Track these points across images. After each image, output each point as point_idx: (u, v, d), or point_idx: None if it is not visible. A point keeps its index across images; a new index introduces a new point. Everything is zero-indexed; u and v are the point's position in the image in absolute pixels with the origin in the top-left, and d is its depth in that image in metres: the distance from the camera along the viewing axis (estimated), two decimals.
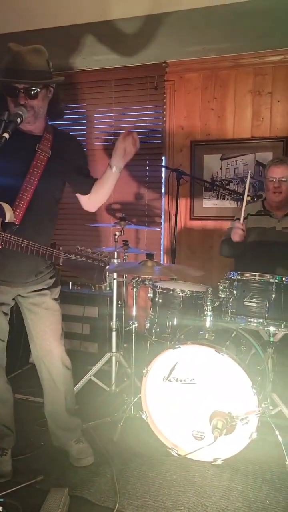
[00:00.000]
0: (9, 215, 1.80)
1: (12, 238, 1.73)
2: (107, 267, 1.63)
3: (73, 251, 1.65)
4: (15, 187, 1.89)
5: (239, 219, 2.81)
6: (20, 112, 1.77)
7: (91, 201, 2.16)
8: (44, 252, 1.71)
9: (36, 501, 1.84)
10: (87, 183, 2.12)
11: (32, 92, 1.83)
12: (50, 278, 2.13)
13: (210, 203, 3.80)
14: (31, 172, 1.91)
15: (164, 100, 3.82)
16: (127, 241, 3.13)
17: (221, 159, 3.73)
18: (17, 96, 1.83)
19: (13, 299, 2.11)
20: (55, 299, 2.16)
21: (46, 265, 2.09)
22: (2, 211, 1.80)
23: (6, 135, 1.67)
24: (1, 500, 1.82)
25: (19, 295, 2.09)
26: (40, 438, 2.37)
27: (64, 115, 2.09)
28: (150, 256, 2.51)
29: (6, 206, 1.81)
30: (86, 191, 2.12)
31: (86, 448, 2.21)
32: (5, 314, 2.08)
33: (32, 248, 1.72)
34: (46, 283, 2.11)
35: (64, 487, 1.93)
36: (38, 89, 1.85)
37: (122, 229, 2.96)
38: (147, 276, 2.60)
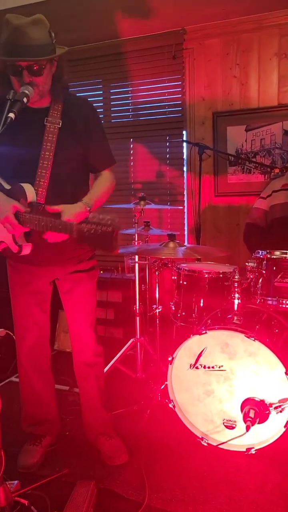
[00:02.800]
0: (31, 195, 1.73)
1: (34, 218, 1.65)
2: (117, 231, 1.48)
3: (82, 221, 1.53)
4: (32, 166, 1.79)
5: (263, 198, 2.64)
6: (26, 91, 1.64)
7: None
8: (60, 227, 1.59)
9: (63, 494, 1.78)
10: (99, 160, 1.97)
11: (37, 69, 1.69)
12: (89, 259, 2.05)
13: (235, 178, 3.59)
14: (45, 147, 1.79)
15: (183, 70, 3.60)
16: (149, 222, 3.00)
17: (246, 130, 3.51)
18: (20, 75, 1.68)
19: (50, 284, 2.05)
20: (93, 284, 2.08)
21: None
22: (23, 192, 1.73)
23: (11, 115, 1.55)
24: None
25: (57, 278, 2.02)
26: (65, 427, 2.31)
27: (69, 88, 1.94)
28: (172, 237, 2.38)
29: (26, 186, 1.74)
30: (93, 170, 1.98)
31: (118, 444, 2.11)
32: (39, 304, 2.03)
33: (50, 224, 1.62)
34: (84, 265, 2.03)
35: (91, 479, 1.86)
36: (43, 66, 1.70)
37: (142, 209, 2.82)
38: (169, 258, 2.46)
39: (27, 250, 1.79)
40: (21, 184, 1.74)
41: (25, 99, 1.62)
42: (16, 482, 1.83)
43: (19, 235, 1.77)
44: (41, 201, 1.77)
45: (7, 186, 1.82)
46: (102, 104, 3.93)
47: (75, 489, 1.77)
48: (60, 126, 1.81)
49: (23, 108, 1.61)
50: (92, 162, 1.96)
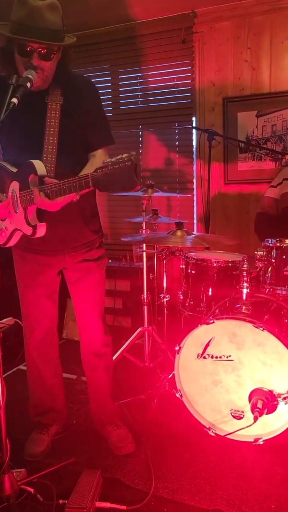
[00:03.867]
0: (41, 169, 1.68)
1: (50, 186, 1.61)
2: (135, 165, 1.44)
3: (97, 167, 1.48)
4: (38, 144, 1.76)
5: (274, 186, 2.58)
6: (30, 76, 1.60)
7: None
8: (75, 184, 1.55)
9: (69, 482, 1.78)
10: (95, 138, 1.88)
11: (46, 53, 1.64)
12: (98, 248, 2.02)
13: (246, 165, 3.53)
14: (49, 124, 1.76)
15: (193, 55, 3.52)
16: (157, 210, 2.95)
17: (257, 116, 3.43)
18: (29, 56, 1.64)
19: (58, 274, 2.03)
20: (101, 273, 2.05)
21: (94, 230, 1.99)
22: (33, 168, 1.67)
23: (15, 100, 1.52)
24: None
25: (65, 268, 2.00)
26: (72, 416, 2.31)
27: (71, 75, 1.86)
28: (179, 225, 2.34)
29: (36, 162, 1.69)
30: (90, 147, 1.88)
31: (125, 434, 2.09)
32: (48, 296, 2.02)
33: (64, 186, 1.57)
34: (92, 254, 1.99)
35: (97, 468, 1.86)
36: (54, 51, 1.66)
37: (150, 197, 2.78)
38: (176, 246, 2.43)
39: (41, 231, 1.73)
40: (30, 160, 1.69)
41: (28, 84, 1.59)
42: (22, 470, 1.84)
43: (32, 214, 1.72)
44: (51, 175, 1.73)
45: (14, 169, 1.80)
46: (110, 90, 3.87)
47: (81, 478, 1.76)
48: (61, 102, 1.78)
49: (26, 93, 1.58)
50: (89, 140, 1.87)
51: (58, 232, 1.82)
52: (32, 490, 1.71)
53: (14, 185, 1.77)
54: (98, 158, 1.85)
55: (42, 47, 1.63)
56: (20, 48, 1.64)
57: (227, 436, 2.03)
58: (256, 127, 3.44)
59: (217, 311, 2.20)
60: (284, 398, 1.92)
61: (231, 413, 2.06)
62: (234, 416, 2.05)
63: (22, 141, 1.80)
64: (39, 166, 1.67)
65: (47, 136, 1.75)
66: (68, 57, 1.78)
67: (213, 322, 2.03)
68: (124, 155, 1.41)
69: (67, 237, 1.88)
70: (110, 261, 3.63)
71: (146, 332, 2.82)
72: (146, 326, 2.81)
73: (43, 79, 1.72)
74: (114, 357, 2.72)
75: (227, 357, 2.05)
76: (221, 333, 2.04)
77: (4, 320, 3.06)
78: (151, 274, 2.96)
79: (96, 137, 1.88)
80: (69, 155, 1.80)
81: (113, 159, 1.43)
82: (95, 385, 2.13)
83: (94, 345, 2.06)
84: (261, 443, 1.97)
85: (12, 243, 1.88)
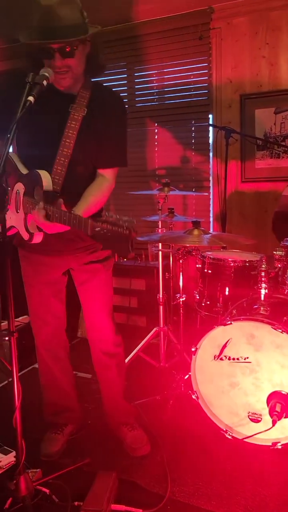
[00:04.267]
0: (47, 183, 1.67)
1: (53, 210, 1.55)
2: (134, 234, 1.34)
3: (98, 219, 1.37)
4: (52, 152, 1.74)
5: None
6: (46, 74, 1.57)
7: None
8: (75, 222, 1.48)
9: (83, 484, 1.77)
10: (104, 157, 1.84)
11: (69, 51, 1.61)
12: (103, 249, 1.96)
13: (263, 163, 3.47)
14: (66, 134, 1.73)
15: (210, 51, 3.47)
16: (173, 209, 2.92)
17: (275, 113, 3.37)
18: (53, 57, 1.62)
19: (64, 274, 2.01)
20: (108, 274, 2.02)
21: None
22: (39, 179, 1.66)
23: (31, 98, 1.49)
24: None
25: (71, 269, 1.99)
26: (87, 416, 2.30)
27: (105, 69, 1.85)
28: (196, 224, 2.30)
29: (43, 173, 1.68)
30: (101, 164, 1.85)
31: (141, 435, 2.07)
32: (55, 295, 2.01)
33: (65, 217, 1.51)
34: (98, 255, 1.95)
35: (112, 469, 1.84)
36: (74, 47, 1.62)
37: (166, 195, 2.74)
38: (193, 246, 2.39)
39: (38, 239, 1.72)
40: (38, 171, 1.68)
41: (44, 82, 1.56)
42: (38, 470, 1.83)
43: (31, 222, 1.69)
44: (57, 189, 1.71)
45: (24, 171, 1.78)
46: (126, 88, 3.83)
47: (96, 479, 1.75)
48: (84, 114, 1.75)
49: (51, 88, 1.56)
50: (102, 157, 1.83)
51: (60, 234, 1.73)
52: (47, 490, 1.71)
53: (19, 186, 1.76)
54: (98, 186, 1.82)
55: (61, 46, 1.59)
56: (42, 51, 1.62)
57: (245, 440, 2.00)
58: (274, 124, 3.38)
59: (234, 311, 2.16)
60: None
61: (248, 416, 2.02)
62: (251, 419, 2.02)
63: (37, 144, 1.77)
64: (46, 180, 1.67)
65: (61, 147, 1.74)
66: (97, 48, 1.75)
67: (231, 323, 1.99)
68: (124, 219, 1.33)
69: (69, 239, 1.83)
70: (125, 260, 3.61)
71: (162, 332, 2.79)
72: (161, 326, 2.78)
73: (73, 78, 1.70)
74: (129, 358, 2.70)
75: (244, 359, 2.01)
76: (238, 335, 2.01)
77: (20, 318, 3.06)
78: (166, 273, 2.93)
79: (109, 156, 1.85)
80: (79, 170, 1.78)
81: (112, 218, 1.34)
82: (108, 386, 2.11)
83: (105, 345, 2.04)
84: (280, 447, 1.93)
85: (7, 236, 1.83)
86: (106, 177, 1.85)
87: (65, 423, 2.14)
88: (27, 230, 1.72)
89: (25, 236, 1.73)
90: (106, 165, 1.85)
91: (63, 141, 1.74)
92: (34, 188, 1.69)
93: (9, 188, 1.80)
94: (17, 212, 1.77)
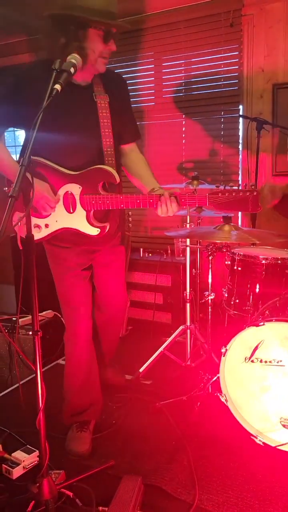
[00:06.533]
0: (116, 176, 1.78)
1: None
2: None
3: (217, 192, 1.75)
4: (97, 145, 1.80)
5: None
6: (73, 61, 1.51)
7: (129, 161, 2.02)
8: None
9: (108, 487, 1.71)
10: (130, 132, 1.99)
11: (117, 36, 1.71)
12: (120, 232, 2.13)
13: None
14: (103, 124, 1.79)
15: (241, 39, 3.33)
16: None
17: None
18: (108, 41, 1.67)
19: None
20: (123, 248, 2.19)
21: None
22: (106, 173, 1.77)
23: (57, 86, 1.42)
24: None
25: (95, 251, 2.05)
26: (111, 416, 2.24)
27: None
28: (227, 219, 2.20)
29: (108, 168, 1.78)
30: (135, 136, 2.02)
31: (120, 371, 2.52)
32: (89, 281, 2.08)
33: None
34: (119, 238, 2.11)
35: (137, 472, 1.78)
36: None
37: (195, 189, 2.64)
38: (223, 242, 2.29)
39: (106, 230, 1.86)
40: (102, 167, 1.76)
41: (72, 69, 1.50)
42: (61, 471, 1.78)
43: (93, 218, 1.82)
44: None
45: (70, 172, 1.79)
46: (153, 79, 3.73)
47: (121, 484, 1.68)
48: (109, 100, 1.80)
49: (69, 80, 1.49)
50: (123, 134, 1.94)
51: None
52: (71, 494, 1.66)
53: (72, 187, 1.80)
54: (140, 154, 2.05)
55: (117, 30, 1.67)
56: (104, 35, 1.65)
57: (278, 447, 1.90)
58: None
59: (266, 312, 2.06)
60: None
61: (280, 421, 1.92)
62: (284, 425, 1.91)
63: (77, 140, 1.78)
64: (114, 174, 1.77)
65: (103, 138, 1.78)
66: None
67: (263, 324, 1.89)
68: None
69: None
70: (150, 254, 3.53)
71: (189, 330, 2.70)
72: (188, 324, 2.69)
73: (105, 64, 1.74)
74: (154, 355, 2.64)
75: (277, 361, 1.91)
76: (271, 336, 1.91)
77: (44, 313, 3.03)
78: (193, 270, 2.83)
79: (131, 131, 2.00)
80: (117, 153, 1.86)
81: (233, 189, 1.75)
82: (114, 331, 2.35)
83: (122, 312, 2.44)
84: None
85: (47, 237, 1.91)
86: (136, 149, 2.03)
87: (89, 419, 2.10)
88: (91, 225, 1.82)
89: (92, 231, 1.83)
90: (133, 139, 2.01)
91: (102, 132, 1.78)
92: (99, 184, 1.77)
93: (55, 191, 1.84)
94: (71, 212, 1.81)
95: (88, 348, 2.08)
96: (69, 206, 1.83)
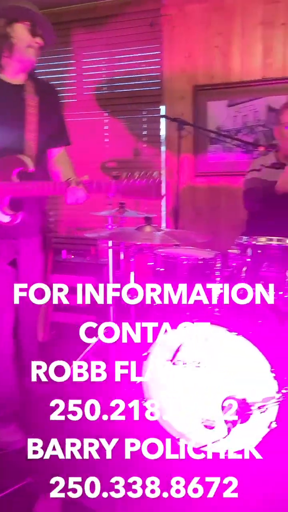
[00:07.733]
0: (30, 164, 1.82)
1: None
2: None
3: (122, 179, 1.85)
4: (17, 135, 1.84)
5: (256, 170, 2.43)
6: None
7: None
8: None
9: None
10: (60, 136, 2.06)
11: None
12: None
13: (216, 157, 3.39)
14: (28, 118, 1.84)
15: (161, 39, 3.33)
16: (123, 203, 2.76)
17: (228, 106, 3.29)
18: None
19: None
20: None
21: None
22: (21, 162, 1.80)
23: None
24: None
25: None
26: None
27: None
28: (148, 220, 2.17)
29: (23, 157, 1.81)
30: (65, 141, 2.08)
31: None
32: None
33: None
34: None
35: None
36: None
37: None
38: (144, 243, 2.26)
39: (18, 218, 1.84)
40: (17, 155, 1.80)
41: None
42: None
43: (7, 204, 1.80)
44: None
45: None
46: (75, 74, 3.63)
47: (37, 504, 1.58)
48: (38, 102, 1.88)
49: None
50: (52, 137, 1.99)
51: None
52: None
53: None
54: (70, 162, 2.12)
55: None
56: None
57: (201, 449, 1.89)
58: (227, 117, 3.30)
59: (187, 313, 2.05)
60: (259, 407, 1.80)
61: (202, 422, 1.92)
62: (205, 426, 1.92)
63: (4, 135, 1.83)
64: (28, 162, 1.81)
65: (27, 130, 1.83)
66: None
67: (184, 326, 1.88)
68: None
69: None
70: (73, 256, 3.43)
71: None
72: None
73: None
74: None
75: (198, 363, 1.91)
76: (191, 338, 1.90)
77: None
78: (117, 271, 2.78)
79: (60, 136, 2.06)
80: (41, 152, 1.92)
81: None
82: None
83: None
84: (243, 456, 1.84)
85: None
86: (65, 154, 2.10)
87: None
88: (3, 213, 1.81)
89: (3, 218, 1.81)
90: (61, 144, 2.07)
91: (27, 125, 1.84)
92: (13, 172, 1.79)
93: None
94: None
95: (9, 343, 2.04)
96: None
